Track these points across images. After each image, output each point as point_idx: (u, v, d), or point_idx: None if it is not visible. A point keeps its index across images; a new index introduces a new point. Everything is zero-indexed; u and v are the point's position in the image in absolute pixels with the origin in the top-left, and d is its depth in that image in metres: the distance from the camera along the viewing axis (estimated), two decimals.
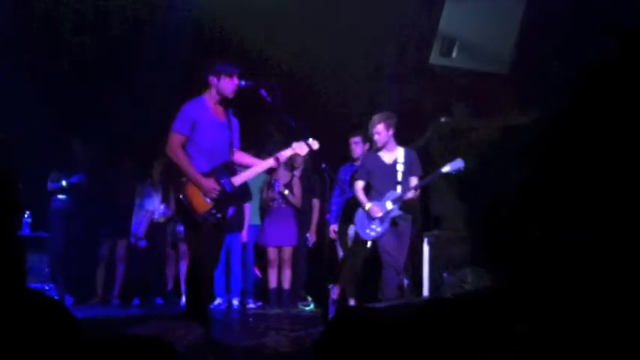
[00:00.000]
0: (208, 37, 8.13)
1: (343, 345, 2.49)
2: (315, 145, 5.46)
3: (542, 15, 5.99)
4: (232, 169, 5.26)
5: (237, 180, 5.20)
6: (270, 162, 5.44)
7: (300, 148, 5.47)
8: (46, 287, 7.86)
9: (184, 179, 5.05)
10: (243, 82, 5.16)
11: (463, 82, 6.67)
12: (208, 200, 5.03)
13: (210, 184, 5.05)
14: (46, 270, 8.13)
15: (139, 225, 8.43)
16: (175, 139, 5.06)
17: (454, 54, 6.28)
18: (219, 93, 5.17)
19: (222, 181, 5.12)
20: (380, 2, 7.19)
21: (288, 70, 8.05)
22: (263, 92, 5.17)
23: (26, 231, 8.13)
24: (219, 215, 5.07)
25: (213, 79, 5.16)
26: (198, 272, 5.06)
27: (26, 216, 8.18)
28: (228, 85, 5.15)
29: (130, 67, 8.18)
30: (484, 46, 6.18)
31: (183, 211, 5.08)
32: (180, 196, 5.05)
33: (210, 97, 5.21)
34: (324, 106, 8.14)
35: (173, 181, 5.20)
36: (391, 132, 6.22)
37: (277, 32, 7.52)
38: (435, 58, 6.37)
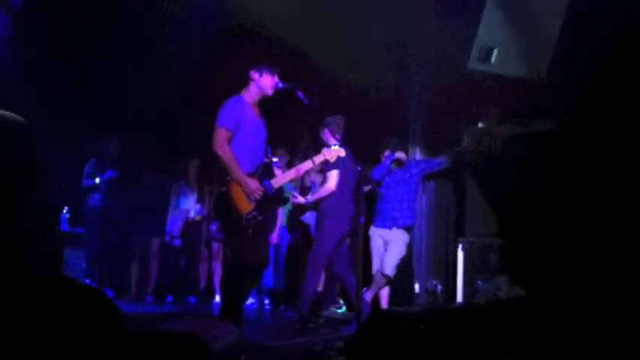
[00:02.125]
0: (242, 36, 8.15)
1: (374, 347, 2.49)
2: (341, 152, 5.47)
3: (581, 23, 5.93)
4: (271, 170, 5.23)
5: (277, 182, 5.17)
6: (308, 164, 5.42)
7: (329, 154, 5.46)
8: None
9: (229, 178, 4.95)
10: (280, 84, 5.15)
11: (498, 88, 6.63)
12: (251, 201, 4.97)
13: (255, 184, 4.97)
14: (82, 265, 8.25)
15: (173, 224, 8.50)
16: (222, 135, 4.94)
17: (493, 59, 6.24)
18: (260, 89, 5.12)
19: (264, 182, 5.06)
20: (417, 6, 7.17)
21: (323, 72, 8.06)
22: (300, 94, 5.17)
23: (64, 226, 8.26)
24: (260, 218, 4.99)
25: (255, 74, 5.12)
26: (239, 274, 4.97)
27: (65, 212, 8.31)
28: (269, 81, 5.12)
29: (164, 65, 8.23)
30: (522, 52, 6.13)
31: (226, 210, 4.98)
32: (224, 195, 4.95)
33: (248, 96, 5.16)
34: (364, 108, 8.15)
35: (214, 179, 5.12)
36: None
37: (313, 35, 7.53)
38: (473, 64, 6.33)
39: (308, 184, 8.19)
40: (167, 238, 8.54)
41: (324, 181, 8.13)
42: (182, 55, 8.11)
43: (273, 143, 8.04)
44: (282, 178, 5.22)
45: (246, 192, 4.94)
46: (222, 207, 5.04)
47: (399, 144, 7.35)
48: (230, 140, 4.97)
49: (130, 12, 7.71)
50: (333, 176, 6.50)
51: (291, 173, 5.36)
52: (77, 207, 8.36)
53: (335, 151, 5.49)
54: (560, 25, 5.87)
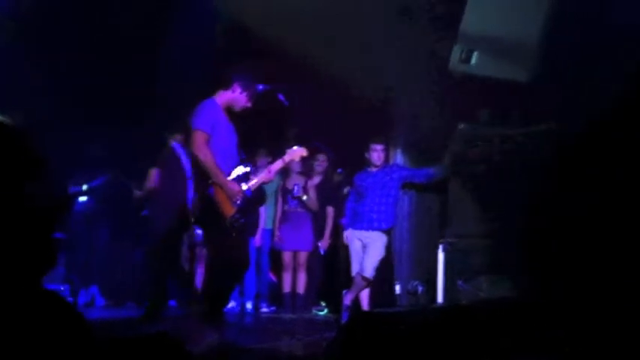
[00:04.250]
0: (237, 35, 8.10)
1: (355, 349, 2.47)
2: (303, 152, 5.50)
3: (566, 23, 5.95)
4: (248, 173, 5.22)
5: (254, 184, 5.16)
6: (279, 164, 5.47)
7: (293, 155, 5.49)
8: (61, 288, 7.90)
9: (211, 181, 4.92)
10: (261, 86, 5.15)
11: (486, 89, 6.63)
12: (234, 204, 4.96)
13: (236, 187, 4.97)
14: (61, 270, 8.18)
15: None
16: (202, 138, 4.90)
17: (473, 61, 6.24)
18: (232, 101, 5.13)
19: (241, 185, 5.07)
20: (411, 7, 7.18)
21: (317, 73, 8.05)
22: (280, 96, 5.17)
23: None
24: (242, 220, 5.00)
25: (237, 87, 5.13)
26: (223, 277, 4.96)
27: None
28: (243, 101, 5.14)
29: (154, 70, 8.18)
30: (505, 53, 6.14)
31: (210, 213, 4.96)
32: (209, 198, 4.91)
33: (220, 100, 5.14)
34: (347, 112, 8.13)
35: (197, 181, 5.04)
36: None
37: (309, 35, 7.51)
38: (453, 65, 6.33)
39: (290, 186, 8.18)
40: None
41: (305, 185, 8.15)
42: (179, 60, 8.06)
43: (256, 145, 8.03)
44: (257, 180, 5.21)
45: (228, 195, 4.91)
46: (206, 210, 4.99)
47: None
48: (208, 143, 4.94)
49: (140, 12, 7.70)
50: None
51: (264, 175, 5.36)
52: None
53: (298, 150, 5.52)
54: (541, 25, 5.89)
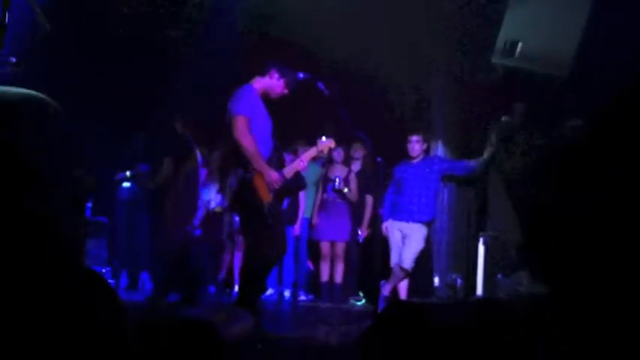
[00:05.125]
0: (269, 29, 8.14)
1: (390, 338, 2.47)
2: (332, 143, 5.48)
3: (606, 23, 5.86)
4: (283, 161, 5.22)
5: (288, 172, 5.16)
6: (312, 151, 5.45)
7: (322, 146, 5.47)
8: (103, 270, 8.04)
9: (252, 167, 4.89)
10: (301, 75, 5.13)
11: (523, 83, 6.56)
12: (271, 191, 4.94)
13: (275, 174, 4.94)
14: (104, 254, 8.32)
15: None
16: (243, 123, 4.85)
17: (517, 54, 6.17)
18: (268, 88, 5.10)
19: (279, 172, 5.04)
20: (440, 3, 7.13)
21: (353, 68, 8.03)
22: (320, 85, 5.15)
23: (87, 215, 8.33)
24: (279, 207, 5.04)
25: (274, 72, 5.13)
26: (258, 264, 4.96)
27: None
28: (280, 88, 5.11)
29: (184, 60, 8.23)
30: (546, 48, 6.05)
31: (248, 199, 4.94)
32: (248, 184, 4.89)
33: (257, 86, 5.11)
34: (386, 102, 8.10)
35: (235, 168, 5.03)
36: None
37: (340, 30, 7.50)
38: (497, 58, 6.26)
39: (332, 176, 8.19)
40: (188, 228, 8.55)
41: (347, 175, 8.15)
42: (205, 54, 8.11)
43: (295, 135, 8.03)
44: (291, 167, 5.21)
45: (267, 182, 4.92)
46: (244, 196, 4.99)
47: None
48: (249, 130, 4.90)
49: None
50: None
51: (297, 163, 5.35)
52: (99, 196, 8.42)
53: (327, 142, 5.51)
54: (586, 18, 5.79)
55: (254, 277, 4.98)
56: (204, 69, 7.85)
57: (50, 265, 1.53)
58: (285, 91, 5.12)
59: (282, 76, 5.09)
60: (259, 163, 4.88)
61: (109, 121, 8.22)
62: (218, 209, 8.53)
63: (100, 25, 7.77)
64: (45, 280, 1.48)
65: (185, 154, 6.91)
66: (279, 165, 5.10)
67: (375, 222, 7.81)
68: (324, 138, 5.50)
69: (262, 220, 4.91)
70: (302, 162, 5.33)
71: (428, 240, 7.27)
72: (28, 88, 2.14)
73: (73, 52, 7.67)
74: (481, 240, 6.82)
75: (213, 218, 8.57)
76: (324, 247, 8.19)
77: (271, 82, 5.10)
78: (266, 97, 5.12)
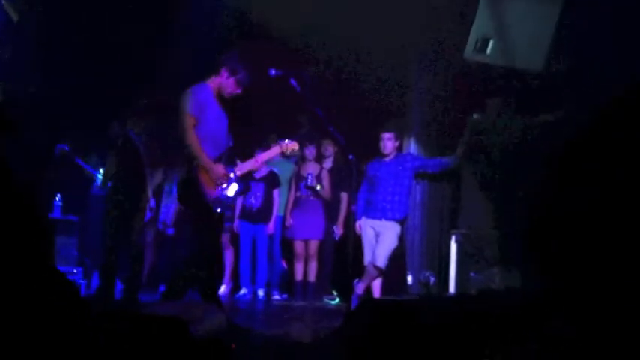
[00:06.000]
0: (242, 21, 8.07)
1: (363, 335, 2.46)
2: (294, 145, 5.60)
3: (579, 16, 5.90)
4: (233, 159, 5.31)
5: (239, 170, 5.26)
6: (268, 154, 5.58)
7: (283, 147, 5.58)
8: (74, 270, 7.95)
9: (196, 163, 5.03)
10: (273, 71, 5.17)
11: (497, 79, 6.59)
12: (217, 187, 5.07)
13: (222, 170, 5.08)
14: (75, 253, 8.23)
15: (167, 212, 8.45)
16: (188, 122, 5.02)
17: (489, 51, 6.19)
18: (220, 85, 5.20)
19: (228, 169, 5.17)
20: None
21: (325, 59, 8.01)
22: (293, 81, 5.17)
23: (57, 214, 8.23)
24: (220, 210, 5.15)
25: (224, 72, 5.20)
26: (203, 257, 5.10)
27: (57, 199, 8.27)
28: (231, 87, 5.21)
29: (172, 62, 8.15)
30: (519, 43, 6.09)
31: (193, 196, 5.07)
32: (192, 181, 5.04)
33: (211, 85, 5.23)
34: (360, 98, 8.08)
35: (181, 164, 5.18)
36: None
37: (313, 20, 7.47)
38: (469, 54, 6.29)
39: (304, 174, 8.16)
40: (160, 226, 8.49)
41: (320, 173, 8.12)
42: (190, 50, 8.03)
43: (267, 130, 8.00)
44: (243, 166, 5.33)
45: (212, 178, 5.04)
46: (189, 192, 5.11)
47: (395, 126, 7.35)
48: (195, 126, 5.03)
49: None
50: None
51: (251, 162, 5.49)
52: (70, 195, 8.33)
53: (289, 144, 5.62)
54: (558, 14, 5.83)
55: (203, 269, 5.10)
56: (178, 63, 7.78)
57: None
58: (237, 90, 5.20)
59: (231, 74, 5.17)
60: (204, 160, 5.01)
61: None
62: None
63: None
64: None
65: (127, 152, 6.82)
66: (229, 163, 5.24)
67: (349, 220, 7.81)
68: (286, 141, 5.62)
69: (203, 215, 5.06)
70: (256, 162, 5.49)
71: (401, 238, 7.28)
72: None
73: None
74: (453, 237, 6.85)
75: (185, 216, 8.49)
76: (298, 245, 8.17)
77: (221, 81, 5.19)
78: (221, 96, 5.21)
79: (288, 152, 5.69)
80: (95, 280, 8.24)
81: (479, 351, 2.33)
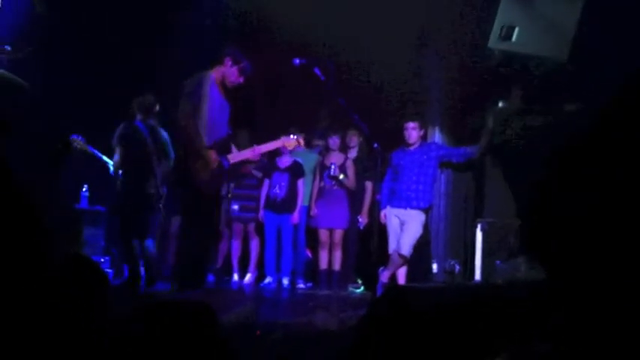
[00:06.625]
0: (257, 15, 8.06)
1: (386, 322, 2.47)
2: (300, 140, 5.70)
3: (603, 6, 5.84)
4: (229, 147, 5.37)
5: (233, 158, 5.36)
6: (267, 146, 5.65)
7: (285, 141, 5.66)
8: (102, 259, 8.02)
9: (190, 148, 5.20)
10: (297, 61, 5.20)
11: (521, 68, 6.54)
12: (209, 171, 5.21)
13: (214, 156, 5.21)
14: (102, 243, 8.31)
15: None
16: (186, 106, 5.16)
17: (514, 39, 6.15)
18: (223, 75, 5.32)
19: (220, 156, 5.29)
20: None
21: (349, 54, 7.99)
22: (317, 70, 5.19)
23: (84, 204, 8.30)
24: (214, 187, 5.29)
25: (227, 61, 5.30)
26: (193, 241, 5.24)
27: (84, 190, 8.35)
28: (234, 76, 5.33)
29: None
30: (544, 32, 6.04)
31: (185, 179, 5.22)
32: (185, 165, 5.20)
33: (215, 74, 5.35)
34: (382, 89, 8.06)
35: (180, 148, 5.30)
36: None
37: (331, 13, 7.45)
38: (493, 42, 6.25)
39: (328, 164, 8.17)
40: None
41: (344, 163, 8.12)
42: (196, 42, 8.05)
43: (288, 123, 8.02)
44: (238, 155, 5.41)
45: (205, 161, 5.19)
46: (181, 176, 5.26)
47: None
48: (194, 112, 5.17)
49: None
50: None
51: (248, 152, 5.57)
52: (97, 185, 8.39)
53: (290, 139, 5.70)
54: (583, 2, 5.78)
55: (190, 258, 5.23)
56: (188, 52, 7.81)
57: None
58: (240, 80, 5.27)
59: (234, 63, 5.25)
60: (198, 145, 5.15)
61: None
62: None
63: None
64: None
65: (134, 141, 6.80)
66: (223, 150, 5.34)
67: (373, 209, 7.81)
68: (292, 136, 5.70)
69: (198, 200, 5.20)
70: (252, 152, 5.55)
71: (426, 226, 7.28)
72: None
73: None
74: (479, 226, 6.83)
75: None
76: (323, 234, 8.19)
77: (225, 70, 5.27)
78: (224, 86, 5.29)
79: (291, 147, 5.81)
80: (125, 271, 8.32)
81: (500, 339, 2.33)
